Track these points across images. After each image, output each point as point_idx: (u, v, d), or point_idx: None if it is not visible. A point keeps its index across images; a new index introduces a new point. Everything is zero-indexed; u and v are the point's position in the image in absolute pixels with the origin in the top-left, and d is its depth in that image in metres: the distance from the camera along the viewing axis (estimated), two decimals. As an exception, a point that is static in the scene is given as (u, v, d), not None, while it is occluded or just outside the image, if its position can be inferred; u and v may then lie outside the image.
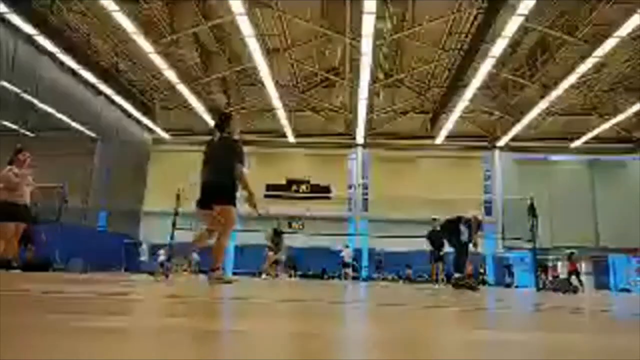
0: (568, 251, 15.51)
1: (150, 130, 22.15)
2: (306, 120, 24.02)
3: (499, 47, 14.98)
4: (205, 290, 3.55)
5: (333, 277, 20.12)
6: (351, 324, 1.57)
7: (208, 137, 5.16)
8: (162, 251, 16.73)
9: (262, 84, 18.94)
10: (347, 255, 19.71)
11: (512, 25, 13.62)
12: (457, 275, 8.07)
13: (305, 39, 18.65)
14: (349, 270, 19.33)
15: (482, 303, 3.34)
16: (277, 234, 12.49)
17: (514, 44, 17.17)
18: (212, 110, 21.41)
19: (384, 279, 20.81)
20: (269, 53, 18.24)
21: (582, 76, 17.53)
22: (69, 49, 15.16)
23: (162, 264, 15.77)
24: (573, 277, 14.31)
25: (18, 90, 12.87)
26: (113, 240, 17.84)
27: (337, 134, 24.09)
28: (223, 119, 5.08)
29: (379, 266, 21.61)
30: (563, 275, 18.23)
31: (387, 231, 21.44)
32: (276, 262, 12.95)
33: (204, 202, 4.80)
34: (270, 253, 12.46)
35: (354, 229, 23.49)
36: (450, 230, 8.72)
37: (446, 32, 17.64)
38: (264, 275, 12.63)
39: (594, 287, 19.06)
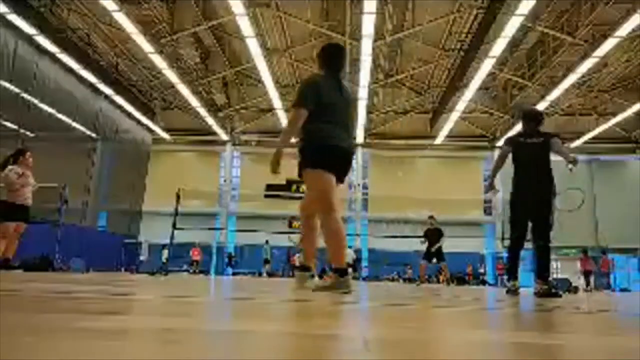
0: (572, 250, 15.46)
1: (150, 130, 22.16)
2: (306, 120, 24.01)
3: (499, 47, 14.98)
4: (205, 290, 3.56)
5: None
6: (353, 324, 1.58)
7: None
8: (164, 251, 16.79)
9: (262, 84, 18.95)
10: (347, 255, 19.74)
11: (512, 25, 13.62)
12: (540, 283, 4.63)
13: (305, 39, 18.65)
14: (349, 270, 19.34)
15: (480, 303, 3.34)
16: None
17: (514, 44, 17.17)
18: (210, 106, 21.41)
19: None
20: (269, 53, 18.25)
21: (582, 76, 17.54)
22: (69, 49, 15.16)
23: (163, 264, 15.81)
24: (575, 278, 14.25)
25: (18, 90, 12.86)
26: (113, 240, 17.83)
27: (337, 134, 24.09)
28: None
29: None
30: (562, 275, 18.24)
31: (387, 231, 21.44)
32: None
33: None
34: None
35: (354, 229, 23.49)
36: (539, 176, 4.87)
37: (446, 32, 17.65)
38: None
39: (594, 287, 19.08)
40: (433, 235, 10.72)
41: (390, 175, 24.43)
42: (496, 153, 24.33)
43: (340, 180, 3.58)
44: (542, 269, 4.72)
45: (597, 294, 10.18)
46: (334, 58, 3.81)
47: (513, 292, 4.88)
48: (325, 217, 3.47)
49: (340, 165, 3.56)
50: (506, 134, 22.54)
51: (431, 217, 11.02)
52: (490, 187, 5.61)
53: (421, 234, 11.06)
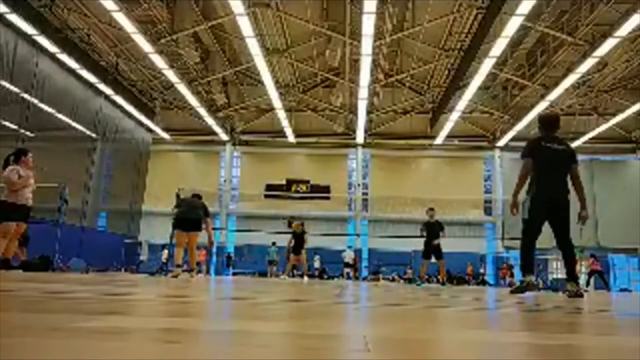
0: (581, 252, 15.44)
1: (150, 130, 22.15)
2: (306, 120, 24.03)
3: (499, 47, 14.97)
4: (205, 290, 3.56)
5: (333, 277, 20.12)
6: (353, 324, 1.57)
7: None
8: (164, 251, 16.79)
9: (262, 84, 18.94)
10: (348, 256, 19.77)
11: (512, 25, 13.61)
12: (573, 285, 4.72)
13: (305, 39, 18.65)
14: (350, 271, 19.41)
15: (480, 303, 3.34)
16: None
17: (514, 44, 17.16)
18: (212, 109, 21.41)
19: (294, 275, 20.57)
20: (269, 53, 18.24)
21: (582, 76, 17.53)
22: (69, 49, 15.15)
23: (163, 264, 15.81)
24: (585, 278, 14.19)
25: (18, 90, 12.84)
26: (113, 240, 17.82)
27: (337, 134, 24.10)
28: None
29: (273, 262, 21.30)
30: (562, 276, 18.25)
31: (387, 231, 21.45)
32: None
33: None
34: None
35: (354, 229, 23.49)
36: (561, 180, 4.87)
37: (446, 32, 17.64)
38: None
39: (594, 287, 19.08)
40: (433, 228, 10.09)
41: (390, 175, 24.42)
42: (496, 152, 24.34)
43: (194, 230, 8.12)
44: (572, 271, 4.81)
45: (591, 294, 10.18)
46: (192, 197, 8.76)
47: (525, 288, 4.78)
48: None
49: (186, 227, 8.07)
50: (506, 134, 22.53)
51: (431, 209, 10.31)
52: (515, 206, 5.04)
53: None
